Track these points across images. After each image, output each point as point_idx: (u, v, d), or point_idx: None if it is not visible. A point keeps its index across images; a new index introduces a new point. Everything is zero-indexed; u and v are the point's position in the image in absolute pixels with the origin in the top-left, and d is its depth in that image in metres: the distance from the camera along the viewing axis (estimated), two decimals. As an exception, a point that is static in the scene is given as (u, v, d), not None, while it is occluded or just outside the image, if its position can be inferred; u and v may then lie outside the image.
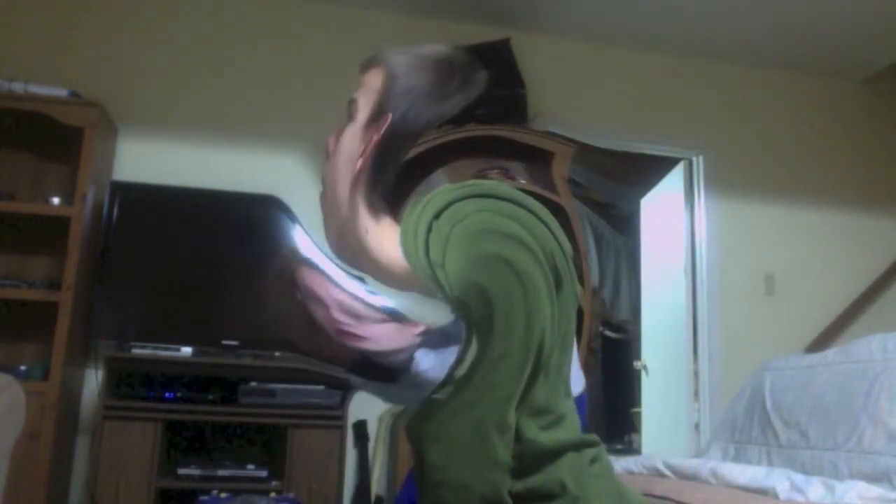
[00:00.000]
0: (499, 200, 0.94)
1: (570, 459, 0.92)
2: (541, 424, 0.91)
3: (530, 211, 0.94)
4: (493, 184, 0.98)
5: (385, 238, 1.01)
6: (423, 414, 0.92)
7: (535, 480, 0.90)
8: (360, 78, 1.05)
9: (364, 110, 1.02)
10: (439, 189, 0.98)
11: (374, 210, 1.03)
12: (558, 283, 0.91)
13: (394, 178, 1.05)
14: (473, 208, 0.93)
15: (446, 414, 0.88)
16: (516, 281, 0.87)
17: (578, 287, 0.98)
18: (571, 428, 0.95)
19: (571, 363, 0.99)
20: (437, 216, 0.94)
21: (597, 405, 5.28)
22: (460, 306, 0.90)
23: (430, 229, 0.93)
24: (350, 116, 1.04)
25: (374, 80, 1.03)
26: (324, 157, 1.07)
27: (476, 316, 0.88)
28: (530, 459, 0.90)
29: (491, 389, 0.86)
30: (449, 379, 0.91)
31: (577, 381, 2.13)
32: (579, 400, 2.08)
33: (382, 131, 1.00)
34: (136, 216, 3.26)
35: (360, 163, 1.01)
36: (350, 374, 1.09)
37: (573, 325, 0.97)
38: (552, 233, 0.94)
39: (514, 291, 0.87)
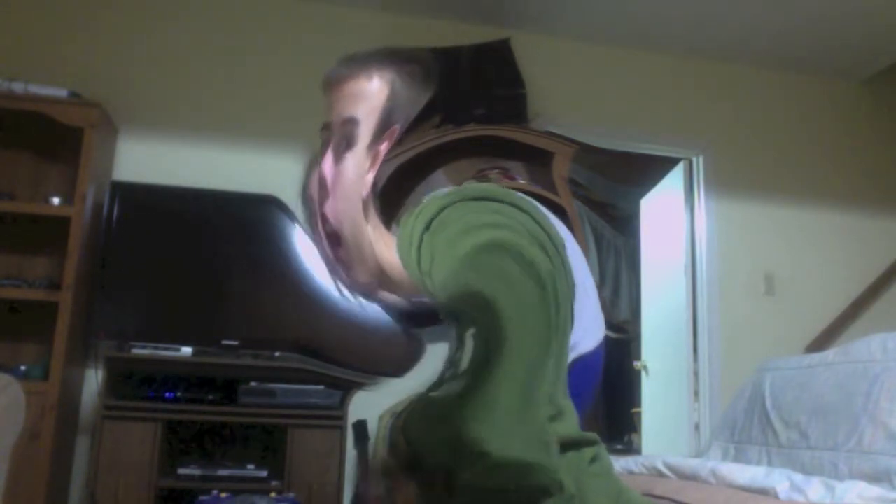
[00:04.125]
0: (486, 202, 0.93)
1: (569, 458, 0.92)
2: (546, 415, 0.90)
3: (515, 206, 0.93)
4: (483, 186, 0.96)
5: (386, 244, 1.02)
6: (427, 411, 0.91)
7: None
8: (347, 87, 0.99)
9: (367, 133, 0.98)
10: (431, 197, 0.98)
11: (380, 217, 1.03)
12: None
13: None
14: (458, 214, 0.92)
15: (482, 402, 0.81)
16: (507, 257, 0.85)
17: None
18: (571, 425, 0.94)
19: (570, 349, 0.98)
20: (427, 227, 0.93)
21: (597, 405, 5.27)
22: (451, 317, 0.89)
23: (422, 240, 0.93)
24: (349, 141, 0.98)
25: (373, 95, 0.98)
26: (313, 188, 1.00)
27: (478, 319, 0.85)
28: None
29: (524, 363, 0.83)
30: (442, 380, 0.90)
31: (598, 329, 2.00)
32: (596, 353, 1.97)
33: (392, 142, 0.99)
34: (136, 216, 3.26)
35: (369, 177, 0.99)
36: (416, 329, 1.09)
37: (571, 311, 0.95)
38: (537, 222, 0.92)
39: (508, 268, 0.85)
